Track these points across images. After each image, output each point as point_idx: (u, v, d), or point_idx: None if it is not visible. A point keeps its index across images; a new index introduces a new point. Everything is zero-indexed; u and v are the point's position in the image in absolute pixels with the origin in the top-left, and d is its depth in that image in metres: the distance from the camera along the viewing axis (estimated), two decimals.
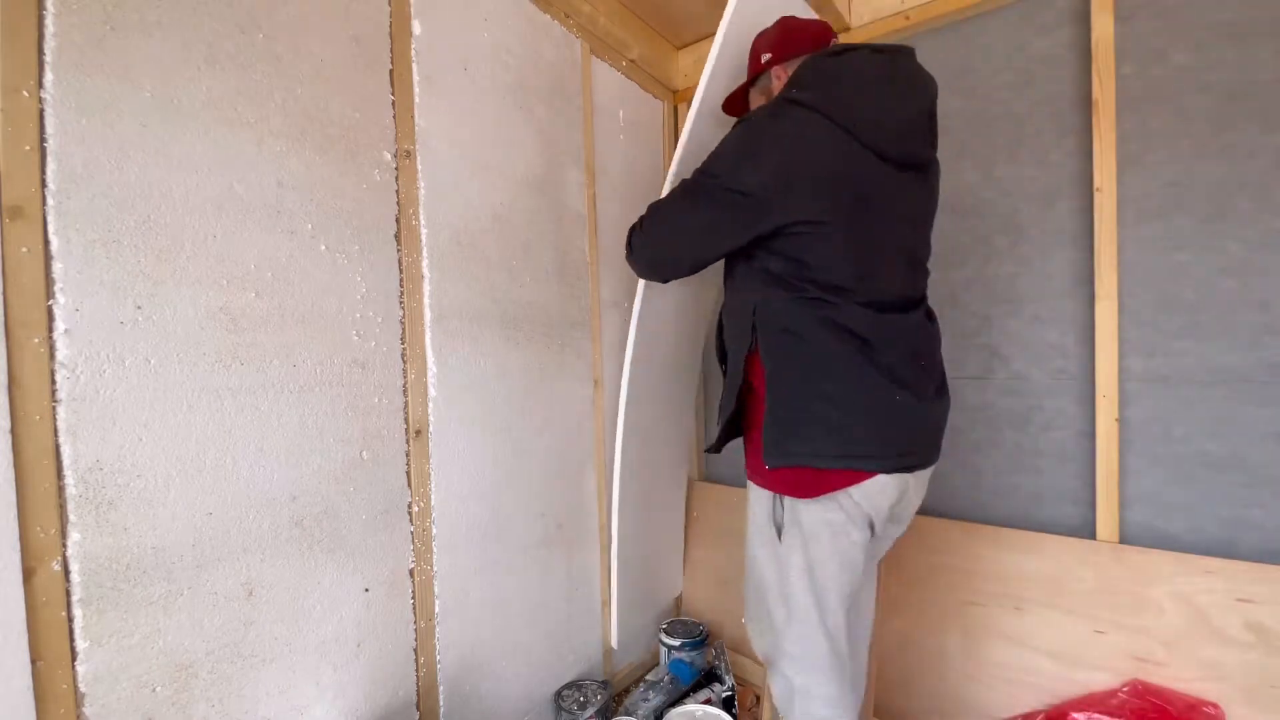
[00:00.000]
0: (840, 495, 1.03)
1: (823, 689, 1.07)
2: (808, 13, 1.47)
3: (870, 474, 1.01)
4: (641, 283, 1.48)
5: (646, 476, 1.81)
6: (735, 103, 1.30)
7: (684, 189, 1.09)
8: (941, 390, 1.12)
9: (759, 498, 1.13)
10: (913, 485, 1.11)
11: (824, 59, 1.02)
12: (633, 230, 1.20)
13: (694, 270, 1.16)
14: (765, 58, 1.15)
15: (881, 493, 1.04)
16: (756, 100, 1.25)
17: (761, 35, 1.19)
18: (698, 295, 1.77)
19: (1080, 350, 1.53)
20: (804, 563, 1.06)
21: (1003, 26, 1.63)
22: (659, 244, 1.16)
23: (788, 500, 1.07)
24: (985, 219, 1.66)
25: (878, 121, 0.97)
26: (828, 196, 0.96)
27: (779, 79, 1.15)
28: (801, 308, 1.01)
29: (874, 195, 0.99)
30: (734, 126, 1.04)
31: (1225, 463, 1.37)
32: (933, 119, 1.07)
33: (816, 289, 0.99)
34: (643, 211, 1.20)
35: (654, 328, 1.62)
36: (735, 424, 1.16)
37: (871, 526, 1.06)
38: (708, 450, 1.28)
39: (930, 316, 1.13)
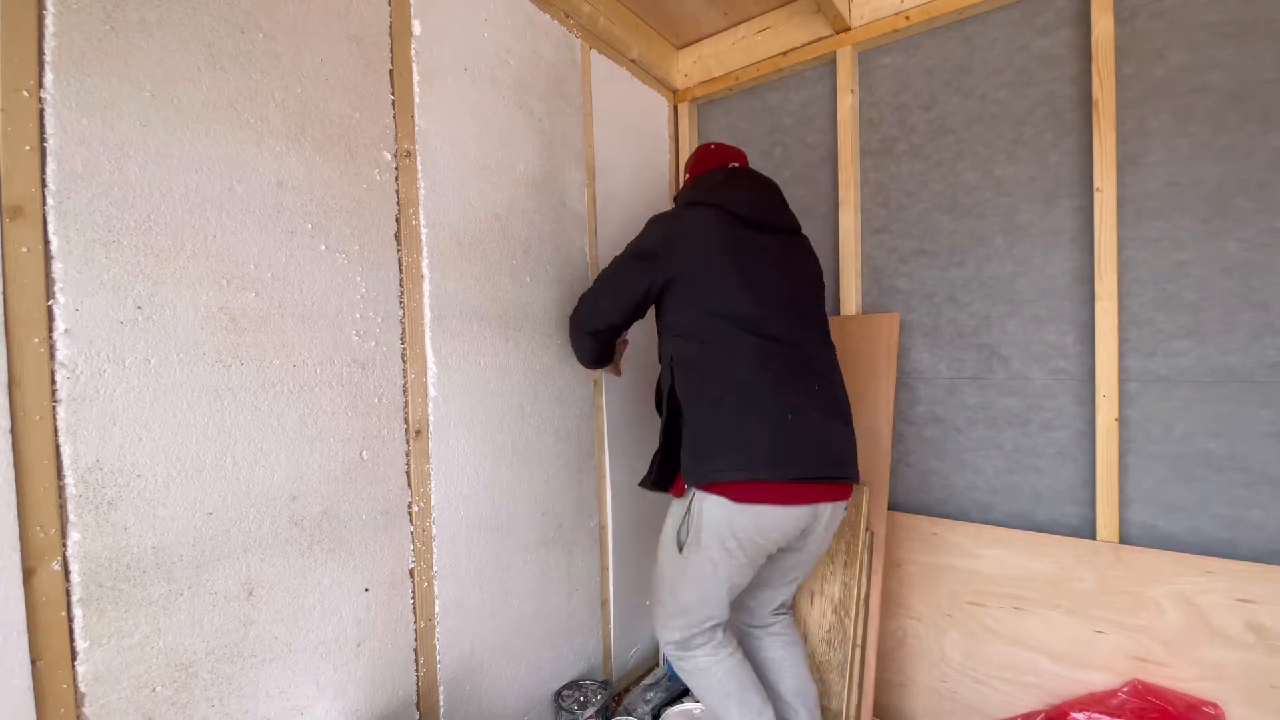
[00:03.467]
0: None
1: None
2: (635, 87, 2.00)
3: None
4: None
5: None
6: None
7: (609, 265, 1.43)
8: (841, 416, 1.29)
9: None
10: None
11: (700, 179, 1.40)
12: (572, 314, 1.52)
13: (614, 319, 1.42)
14: (685, 178, 1.53)
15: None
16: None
17: (687, 162, 1.56)
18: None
19: (1080, 350, 1.53)
20: None
21: (1002, 26, 1.63)
22: (589, 303, 1.46)
23: None
24: (985, 219, 1.66)
25: (738, 200, 1.31)
26: (705, 240, 1.26)
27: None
28: (709, 344, 1.23)
29: (747, 247, 1.27)
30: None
31: (1225, 462, 1.37)
32: (783, 202, 1.41)
33: (719, 323, 1.22)
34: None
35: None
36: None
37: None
38: (641, 484, 1.41)
39: (827, 352, 1.35)
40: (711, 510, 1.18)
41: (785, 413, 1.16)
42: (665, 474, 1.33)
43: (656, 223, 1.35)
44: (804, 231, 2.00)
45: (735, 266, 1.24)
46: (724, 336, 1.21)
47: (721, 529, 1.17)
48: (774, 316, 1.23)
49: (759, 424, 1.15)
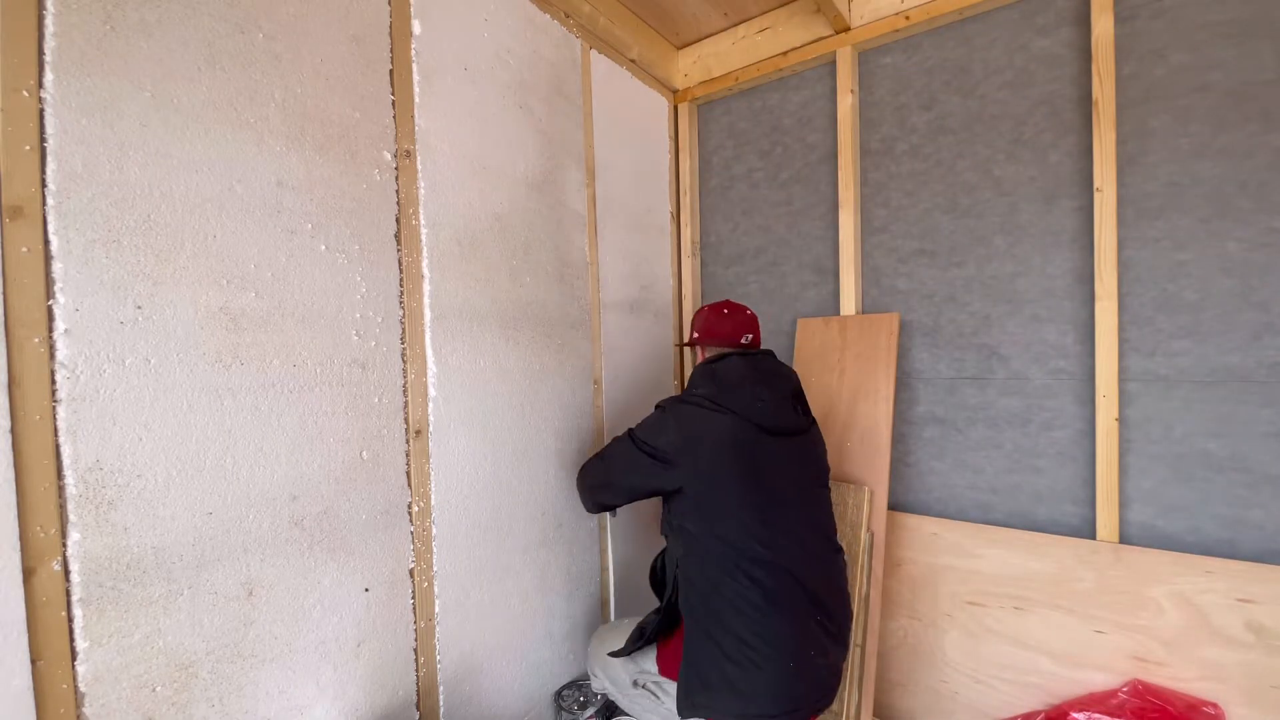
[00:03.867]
0: None
1: None
2: (635, 87, 1.98)
3: None
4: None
5: None
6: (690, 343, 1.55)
7: (616, 441, 1.39)
8: (839, 639, 1.28)
9: None
10: None
11: (708, 365, 1.35)
12: (582, 468, 1.50)
13: (617, 498, 1.41)
14: (694, 335, 1.48)
15: None
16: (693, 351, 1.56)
17: (697, 315, 1.50)
18: (658, 320, 2.04)
19: (1080, 350, 1.53)
20: None
21: (1003, 26, 1.63)
22: (596, 476, 1.44)
23: None
24: (985, 219, 1.66)
25: (758, 411, 1.26)
26: (718, 455, 1.22)
27: (700, 355, 1.49)
28: (710, 570, 1.22)
29: (761, 461, 1.24)
30: (654, 409, 1.36)
31: (1225, 462, 1.37)
32: (799, 396, 1.38)
33: (723, 547, 1.20)
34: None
35: (621, 344, 1.84)
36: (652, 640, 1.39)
37: None
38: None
39: (838, 558, 1.34)
40: None
41: (789, 661, 1.17)
42: (651, 638, 1.39)
43: (672, 420, 1.28)
44: (806, 229, 1.99)
45: (747, 490, 1.21)
46: (731, 568, 1.19)
47: None
48: (784, 546, 1.21)
49: (759, 678, 1.16)
